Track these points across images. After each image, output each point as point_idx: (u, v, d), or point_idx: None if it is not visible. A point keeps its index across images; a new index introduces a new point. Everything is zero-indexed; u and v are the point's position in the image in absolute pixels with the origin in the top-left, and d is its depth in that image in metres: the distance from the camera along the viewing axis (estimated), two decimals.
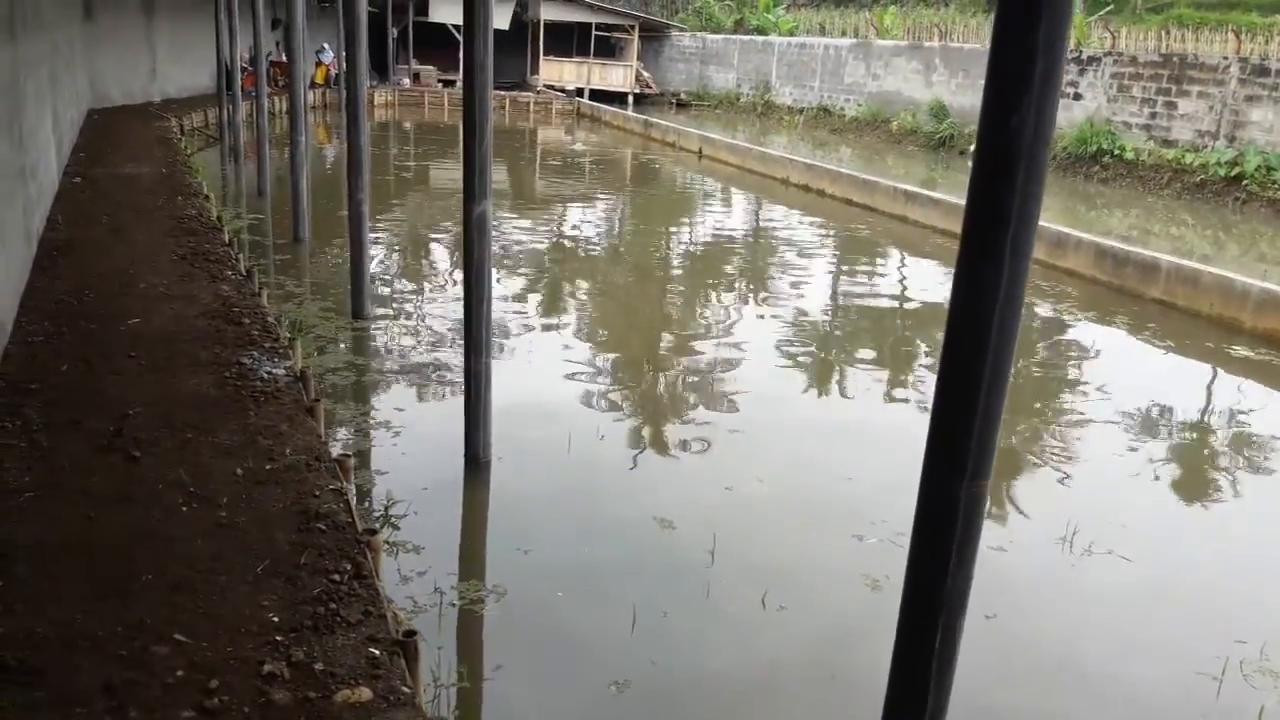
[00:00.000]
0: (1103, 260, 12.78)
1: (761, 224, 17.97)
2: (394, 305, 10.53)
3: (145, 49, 23.74)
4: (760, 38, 35.97)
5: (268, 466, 4.97)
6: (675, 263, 14.30)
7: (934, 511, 2.74)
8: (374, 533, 4.42)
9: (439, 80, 36.27)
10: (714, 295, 12.21)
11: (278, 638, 3.59)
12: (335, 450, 5.46)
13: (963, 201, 2.58)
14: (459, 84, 31.86)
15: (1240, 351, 10.14)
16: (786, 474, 6.76)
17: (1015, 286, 2.52)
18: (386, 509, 5.63)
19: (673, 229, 16.91)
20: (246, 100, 21.05)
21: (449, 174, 21.02)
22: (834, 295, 12.65)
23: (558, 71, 37.88)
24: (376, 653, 3.56)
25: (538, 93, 36.26)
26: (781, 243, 15.77)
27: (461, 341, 6.68)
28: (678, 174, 23.23)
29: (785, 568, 5.51)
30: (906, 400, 8.70)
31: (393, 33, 37.20)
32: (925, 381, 8.97)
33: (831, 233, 16.62)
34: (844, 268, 14.31)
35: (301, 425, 5.54)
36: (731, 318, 11.13)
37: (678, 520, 5.92)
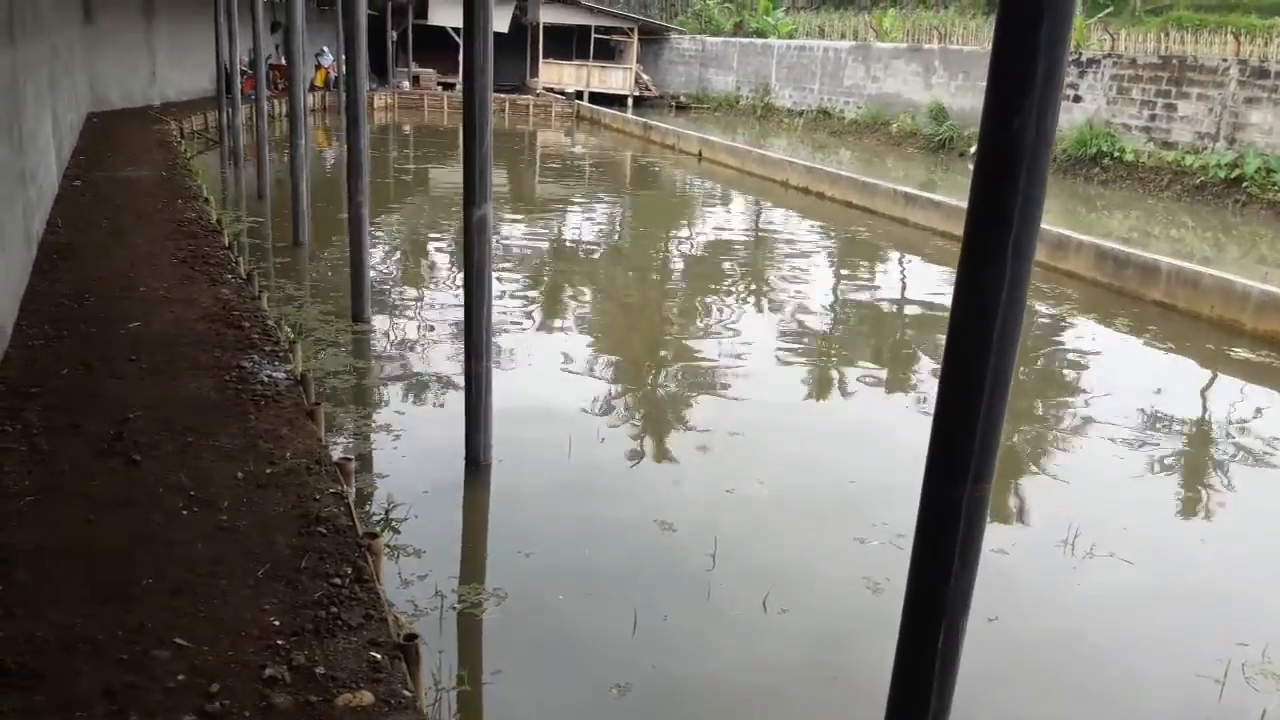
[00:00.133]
0: (1103, 262, 12.78)
1: (761, 227, 17.97)
2: (394, 308, 10.52)
3: (145, 52, 23.76)
4: (760, 40, 35.99)
5: (268, 470, 4.96)
6: (675, 265, 14.30)
7: (937, 514, 2.74)
8: (375, 536, 4.42)
9: (438, 83, 36.29)
10: (714, 298, 12.21)
11: (279, 641, 3.59)
12: (336, 454, 5.46)
13: (963, 204, 2.57)
14: (458, 87, 31.93)
15: (1241, 353, 10.14)
16: (787, 476, 6.76)
17: (1017, 289, 2.51)
18: (387, 512, 5.62)
19: (673, 232, 16.91)
20: (246, 103, 21.06)
21: (449, 177, 21.03)
22: (834, 298, 12.65)
23: (557, 74, 37.90)
24: (378, 656, 3.56)
25: (537, 95, 36.27)
26: (781, 245, 15.77)
27: (462, 344, 6.68)
28: (677, 176, 23.24)
29: (786, 570, 5.50)
30: (907, 403, 8.69)
31: (392, 35, 37.22)
32: (926, 384, 8.97)
33: (831, 235, 16.63)
34: (844, 270, 14.31)
35: (302, 429, 5.54)
36: (731, 320, 11.12)
37: (678, 523, 5.91)
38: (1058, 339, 10.79)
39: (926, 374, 9.26)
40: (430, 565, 5.25)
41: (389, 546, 5.18)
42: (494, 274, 6.81)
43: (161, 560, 4.08)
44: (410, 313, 10.43)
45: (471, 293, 6.20)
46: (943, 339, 2.66)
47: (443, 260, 13.42)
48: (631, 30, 37.90)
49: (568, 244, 15.40)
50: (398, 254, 13.73)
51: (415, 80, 36.69)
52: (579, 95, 36.54)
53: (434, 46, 36.32)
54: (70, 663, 3.42)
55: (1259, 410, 8.81)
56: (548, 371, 8.68)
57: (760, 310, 11.65)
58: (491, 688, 4.41)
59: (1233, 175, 18.60)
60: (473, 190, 6.02)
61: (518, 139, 29.54)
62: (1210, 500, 7.03)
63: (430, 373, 8.39)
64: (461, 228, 6.33)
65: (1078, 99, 22.47)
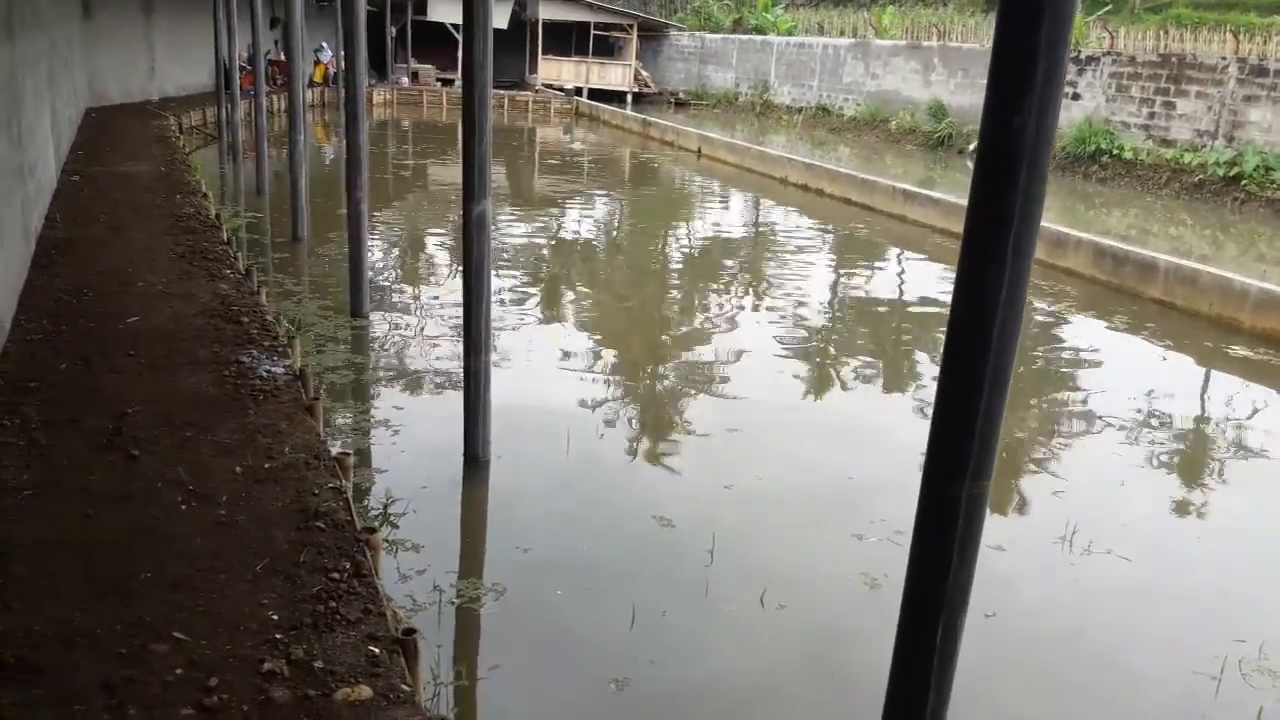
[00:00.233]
0: (1102, 260, 12.79)
1: (760, 223, 17.97)
2: (393, 304, 10.52)
3: (144, 47, 23.73)
4: (759, 37, 35.97)
5: (267, 465, 4.97)
6: (674, 262, 14.30)
7: (935, 511, 2.75)
8: (373, 531, 4.42)
9: (437, 79, 36.26)
10: (713, 294, 12.21)
11: (277, 636, 3.59)
12: (334, 449, 5.46)
13: (961, 201, 2.59)
14: (457, 83, 31.97)
15: (1239, 351, 10.15)
16: (785, 473, 6.76)
17: (1017, 287, 2.52)
18: (385, 507, 5.63)
19: (671, 229, 16.91)
20: (245, 99, 21.02)
21: (448, 173, 21.02)
22: (833, 295, 12.65)
23: (556, 70, 37.87)
24: (376, 651, 3.56)
25: (536, 92, 36.25)
26: (780, 242, 15.78)
27: (460, 340, 6.68)
28: (676, 173, 23.23)
29: (784, 566, 5.51)
30: (905, 400, 8.70)
31: (391, 31, 37.17)
32: (924, 381, 8.98)
33: (830, 232, 16.63)
34: (843, 267, 14.31)
35: (300, 424, 5.54)
36: (730, 317, 11.13)
37: (677, 519, 5.92)
38: (1056, 336, 10.79)
39: (925, 371, 9.26)
40: (429, 560, 5.25)
41: (387, 541, 5.18)
42: (493, 270, 6.80)
43: (160, 555, 4.08)
44: (409, 308, 10.43)
45: (471, 289, 6.20)
46: (941, 336, 2.67)
47: (442, 256, 13.41)
48: (631, 27, 37.87)
49: (567, 240, 15.39)
50: (397, 250, 13.72)
51: (414, 76, 36.67)
52: (578, 92, 36.51)
53: (433, 42, 36.29)
54: (69, 657, 3.42)
55: (1257, 408, 8.82)
56: (547, 367, 8.68)
57: (759, 307, 11.65)
58: (489, 682, 4.42)
59: (1231, 173, 18.62)
60: (472, 186, 6.01)
61: (517, 135, 29.52)
62: (1208, 498, 7.04)
63: (429, 368, 8.39)
64: (460, 223, 6.33)
65: (1077, 97, 22.47)
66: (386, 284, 11.43)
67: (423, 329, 9.58)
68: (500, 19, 33.27)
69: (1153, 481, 7.17)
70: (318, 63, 31.83)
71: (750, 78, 35.50)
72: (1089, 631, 5.13)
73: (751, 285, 12.82)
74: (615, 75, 37.89)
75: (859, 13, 37.26)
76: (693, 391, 8.35)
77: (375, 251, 12.67)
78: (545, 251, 14.19)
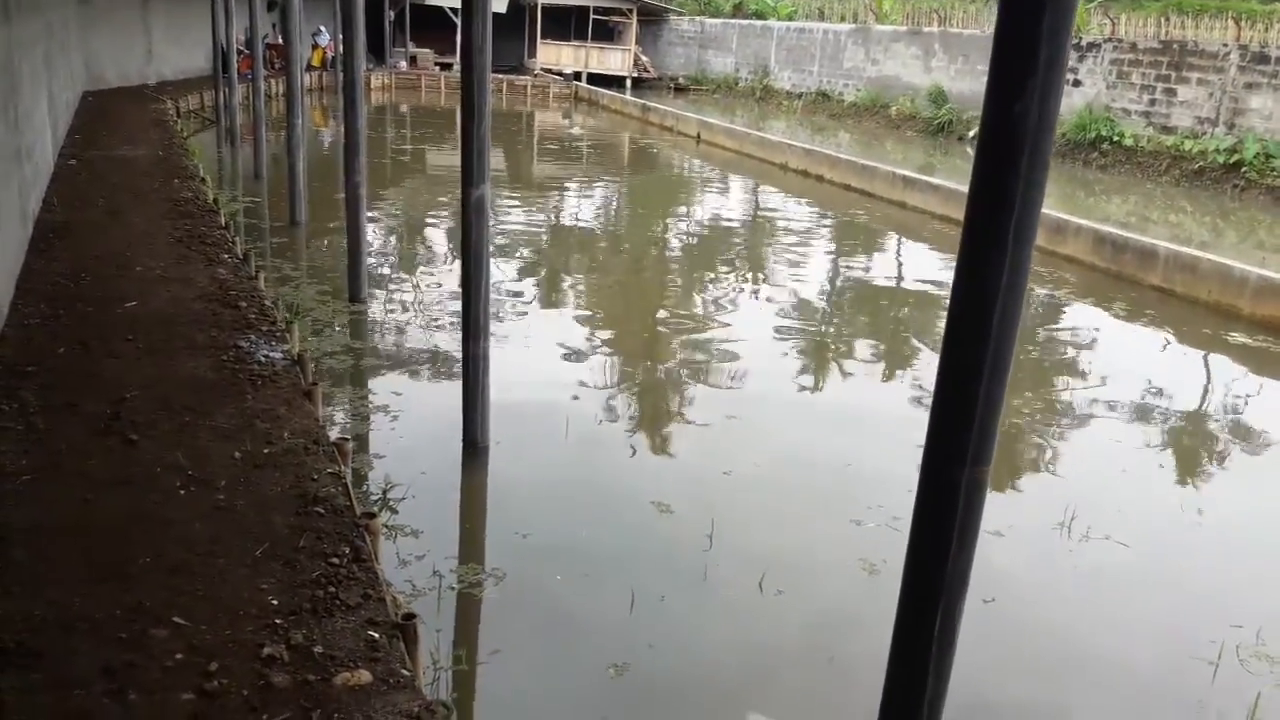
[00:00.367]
0: (1101, 246, 12.77)
1: (760, 209, 17.94)
2: (391, 289, 10.50)
3: (141, 31, 23.62)
4: (759, 22, 35.83)
5: (266, 450, 4.97)
6: (673, 247, 14.28)
7: (935, 497, 2.75)
8: (372, 516, 4.42)
9: (436, 63, 36.11)
10: (712, 280, 12.20)
11: (277, 620, 3.60)
12: (333, 434, 5.46)
13: (961, 187, 2.58)
14: (456, 67, 31.84)
15: (1238, 338, 10.15)
16: (784, 459, 6.77)
17: (1018, 273, 2.51)
18: (385, 493, 5.63)
19: (670, 214, 16.88)
20: (243, 83, 20.94)
21: (446, 157, 20.96)
22: (832, 281, 12.64)
23: (555, 55, 37.72)
24: (376, 636, 3.57)
25: (535, 76, 36.12)
26: (780, 228, 15.74)
27: (459, 325, 6.67)
28: (676, 158, 23.18)
29: (783, 552, 5.52)
30: (904, 386, 8.70)
31: (389, 15, 37.00)
32: (923, 367, 8.98)
33: (830, 218, 16.60)
34: (842, 253, 14.30)
35: (299, 409, 5.54)
36: (730, 303, 11.11)
37: (675, 504, 5.93)
38: (1056, 323, 10.79)
39: (924, 358, 9.26)
40: (428, 545, 5.26)
41: (387, 527, 5.18)
42: (491, 255, 6.79)
43: (159, 539, 4.09)
44: (408, 293, 10.41)
45: (469, 274, 6.19)
46: (940, 323, 2.66)
47: (440, 241, 13.38)
48: (630, 11, 37.69)
49: (566, 225, 15.36)
50: (395, 234, 13.69)
51: (412, 60, 36.52)
52: (577, 76, 36.39)
53: (431, 26, 36.13)
54: (68, 641, 3.43)
55: (1255, 394, 8.82)
56: (546, 353, 8.67)
57: (758, 293, 11.64)
58: (489, 667, 4.43)
59: (1231, 160, 18.58)
60: (470, 171, 5.99)
61: (515, 120, 29.43)
62: (1206, 483, 7.06)
63: (428, 354, 8.38)
64: (459, 208, 6.31)
65: (1077, 83, 22.41)
66: (385, 269, 11.41)
67: (421, 314, 9.56)
68: (499, 3, 33.15)
69: (1151, 468, 7.18)
70: (316, 46, 31.69)
71: (750, 63, 35.37)
72: (1087, 617, 5.15)
73: (750, 272, 12.80)
74: (614, 60, 37.75)
75: None
76: (692, 378, 8.35)
77: (373, 236, 12.64)
78: (544, 237, 14.16)
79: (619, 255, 13.45)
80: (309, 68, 29.99)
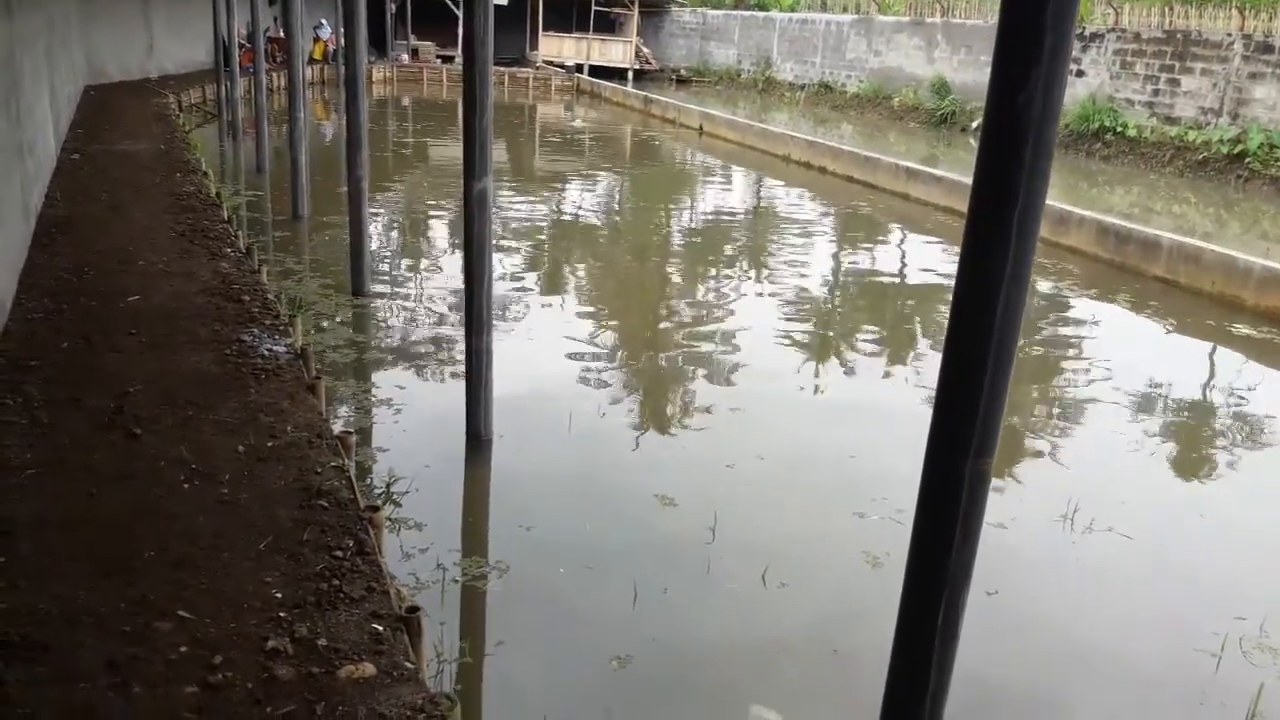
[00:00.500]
0: (1104, 238, 12.75)
1: (762, 201, 17.92)
2: (394, 282, 10.50)
3: (142, 24, 23.59)
4: (761, 13, 35.75)
5: (269, 444, 4.97)
6: (676, 240, 14.26)
7: (939, 488, 2.74)
8: (376, 509, 4.43)
9: (437, 56, 36.05)
10: (715, 273, 12.19)
11: (281, 614, 3.60)
12: (336, 427, 5.46)
13: (965, 179, 2.57)
14: (457, 60, 31.78)
15: (1242, 330, 10.13)
16: (787, 451, 6.77)
17: (1021, 265, 2.51)
18: (388, 486, 5.63)
19: (673, 206, 16.86)
20: (244, 76, 20.93)
21: (448, 150, 20.94)
22: (835, 273, 12.63)
23: (557, 47, 37.66)
24: (380, 628, 3.57)
25: (537, 69, 36.05)
26: (783, 220, 15.72)
27: (462, 318, 6.66)
28: (678, 151, 23.15)
29: (786, 544, 5.52)
30: (907, 378, 8.69)
31: (391, 8, 36.94)
32: (926, 359, 8.96)
33: (833, 210, 16.57)
34: (845, 245, 14.28)
35: (302, 402, 5.54)
36: (732, 295, 11.10)
37: (679, 497, 5.93)
38: (1059, 315, 10.77)
39: (927, 349, 9.25)
40: (431, 538, 5.27)
41: (390, 520, 5.19)
42: (494, 248, 6.78)
43: (163, 533, 4.09)
44: (411, 287, 10.41)
45: (472, 267, 6.18)
46: (943, 314, 2.66)
47: (442, 234, 13.38)
48: (632, 2, 37.57)
49: (568, 218, 15.35)
50: (397, 228, 13.69)
51: (414, 53, 36.45)
52: (579, 68, 36.31)
53: (433, 19, 36.07)
54: (73, 635, 3.43)
55: (1259, 386, 8.80)
56: (549, 346, 8.67)
57: (761, 286, 11.63)
58: (493, 659, 4.44)
59: (1235, 151, 18.53)
60: (473, 164, 5.98)
61: (517, 113, 29.39)
62: (1209, 475, 7.05)
63: (431, 347, 8.38)
64: (461, 201, 6.31)
65: (1080, 74, 22.34)
66: (387, 262, 11.41)
67: (424, 307, 9.57)
68: None
69: (1154, 460, 7.18)
70: (317, 40, 31.63)
71: (752, 54, 35.30)
72: (1090, 609, 5.15)
73: (753, 264, 12.79)
74: (616, 52, 37.67)
75: None
76: (695, 370, 8.34)
77: (376, 230, 12.63)
78: (547, 229, 14.15)
79: (622, 248, 13.44)
80: (310, 61, 29.96)
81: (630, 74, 36.70)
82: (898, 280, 12.40)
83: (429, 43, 36.69)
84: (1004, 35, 2.44)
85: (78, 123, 15.29)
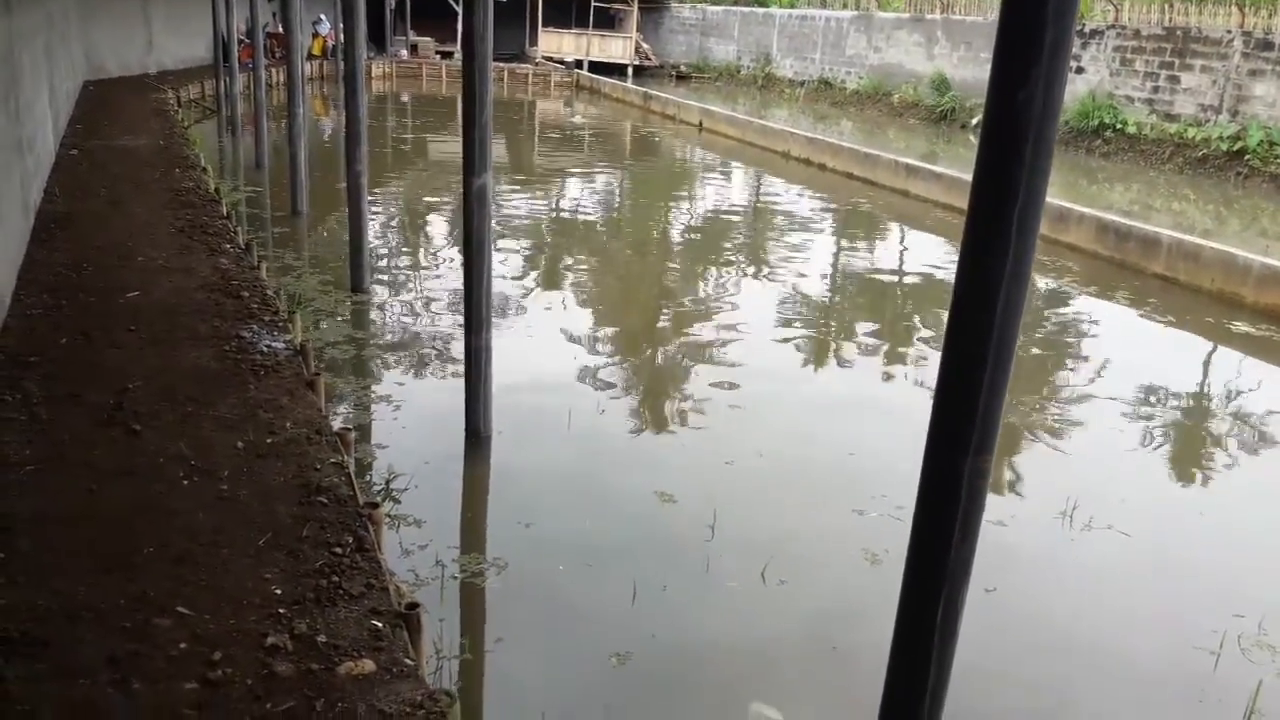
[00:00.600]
0: (1104, 235, 12.74)
1: (762, 198, 17.91)
2: (393, 279, 10.50)
3: (141, 20, 23.56)
4: (761, 9, 35.71)
5: (269, 440, 4.97)
6: (675, 237, 14.26)
7: (938, 486, 2.74)
8: (375, 506, 4.43)
9: (436, 52, 36.03)
10: (714, 269, 12.18)
11: (280, 610, 3.60)
12: (336, 424, 5.46)
13: (964, 176, 2.57)
14: (457, 55, 31.75)
15: (1241, 327, 10.13)
16: (787, 448, 6.77)
17: (1021, 262, 2.50)
18: (388, 482, 5.64)
19: (673, 203, 16.85)
20: (243, 72, 20.90)
21: (447, 146, 20.92)
22: (834, 270, 12.62)
23: (556, 43, 37.62)
24: (379, 625, 3.58)
25: (536, 64, 36.02)
26: (782, 217, 15.72)
27: (461, 315, 6.66)
28: (678, 147, 23.13)
29: (785, 541, 5.52)
30: (907, 375, 8.69)
31: (390, 3, 36.90)
32: (926, 356, 8.97)
33: (832, 207, 16.57)
34: (845, 242, 14.27)
35: (302, 399, 5.54)
36: (732, 292, 11.10)
37: (678, 494, 5.93)
38: (1058, 312, 10.78)
39: (926, 346, 9.25)
40: (431, 535, 5.27)
41: (389, 516, 5.20)
42: (493, 245, 6.78)
43: (163, 529, 4.09)
44: (410, 283, 10.41)
45: (471, 263, 6.18)
46: (943, 312, 2.66)
47: (442, 231, 13.37)
48: None
49: (567, 215, 15.34)
50: (397, 224, 13.68)
51: (413, 49, 36.42)
52: (578, 64, 36.29)
53: (432, 14, 36.04)
54: (73, 631, 3.44)
55: (1258, 384, 8.81)
56: (548, 342, 8.67)
57: (760, 282, 11.63)
58: (492, 656, 4.44)
59: (1235, 148, 18.52)
60: (472, 160, 5.98)
61: (517, 108, 29.37)
62: (1208, 473, 7.05)
63: (430, 343, 8.38)
64: (461, 198, 6.30)
65: (1080, 70, 22.32)
66: (387, 259, 11.40)
67: (423, 304, 9.56)
68: None
69: (1153, 457, 7.18)
70: (316, 35, 31.61)
71: (752, 50, 35.27)
72: (1088, 606, 5.15)
73: (753, 261, 12.79)
74: (616, 48, 37.63)
75: None
76: (693, 366, 8.34)
77: (375, 226, 12.62)
78: (546, 226, 14.14)
79: (621, 244, 13.43)
80: (310, 57, 29.93)
81: (630, 70, 36.67)
82: (897, 277, 12.40)
83: (428, 38, 36.67)
84: (1004, 32, 2.43)
85: (77, 118, 15.28)
